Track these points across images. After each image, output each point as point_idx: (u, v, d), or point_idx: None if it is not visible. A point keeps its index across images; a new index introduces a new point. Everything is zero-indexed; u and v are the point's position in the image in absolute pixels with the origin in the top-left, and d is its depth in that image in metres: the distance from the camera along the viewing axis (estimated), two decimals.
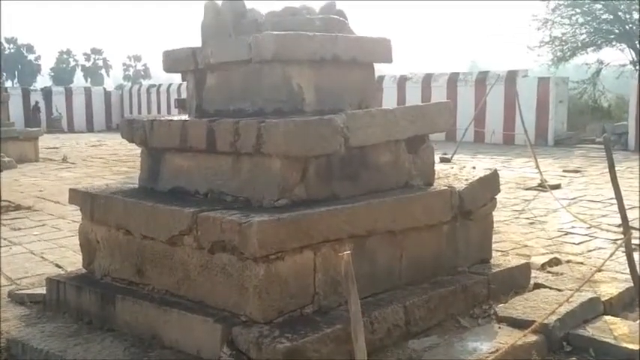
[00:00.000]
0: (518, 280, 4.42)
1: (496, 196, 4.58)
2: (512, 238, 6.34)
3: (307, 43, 3.82)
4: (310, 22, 4.12)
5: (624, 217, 4.41)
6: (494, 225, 6.87)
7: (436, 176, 4.42)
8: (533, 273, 4.76)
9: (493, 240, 6.24)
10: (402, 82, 19.84)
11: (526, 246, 6.03)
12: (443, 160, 13.41)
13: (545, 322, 3.63)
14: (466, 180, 4.33)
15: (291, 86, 3.84)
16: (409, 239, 3.93)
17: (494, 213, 7.69)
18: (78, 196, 4.33)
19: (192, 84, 4.38)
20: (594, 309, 3.93)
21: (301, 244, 3.35)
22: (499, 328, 3.71)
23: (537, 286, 4.39)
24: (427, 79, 19.25)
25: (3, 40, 64.50)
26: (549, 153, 15.54)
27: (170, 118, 4.26)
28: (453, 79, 18.78)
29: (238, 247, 3.24)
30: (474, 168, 4.74)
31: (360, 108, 4.10)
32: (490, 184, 4.46)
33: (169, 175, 4.15)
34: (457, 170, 4.63)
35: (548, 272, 4.96)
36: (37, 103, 28.16)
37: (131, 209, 3.88)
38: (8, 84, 50.60)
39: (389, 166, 4.04)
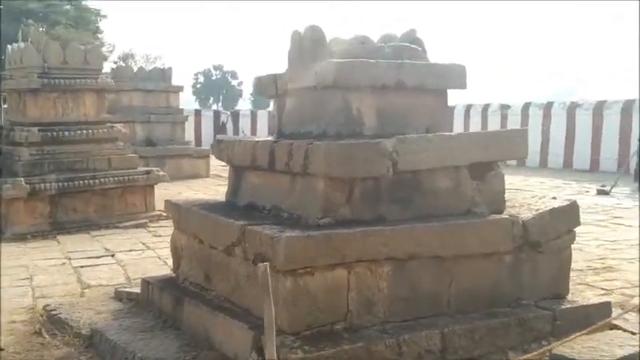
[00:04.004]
0: (593, 319, 4.09)
1: (574, 229, 4.30)
2: (627, 277, 5.84)
3: (368, 70, 3.95)
4: (379, 49, 4.25)
5: None
6: (611, 262, 6.45)
7: (509, 204, 4.29)
8: (627, 315, 4.41)
9: (603, 277, 5.88)
10: (571, 109, 18.79)
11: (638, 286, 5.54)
12: (600, 193, 12.52)
13: None
14: (537, 210, 4.15)
15: (350, 111, 3.99)
16: (460, 267, 3.88)
17: (622, 250, 7.14)
18: (170, 207, 4.82)
19: (275, 108, 4.69)
20: None
21: (333, 262, 3.48)
22: None
23: (612, 327, 4.07)
24: (599, 107, 18.03)
25: (211, 67, 71.60)
26: None
27: (248, 139, 4.61)
28: (628, 107, 17.39)
29: (271, 259, 3.46)
30: (554, 198, 4.51)
31: (429, 133, 4.14)
32: (565, 215, 4.22)
33: (246, 191, 4.48)
34: (535, 200, 4.44)
35: None
36: (222, 123, 30.66)
37: (202, 220, 4.26)
38: (214, 107, 56.01)
39: (448, 192, 4.02)
